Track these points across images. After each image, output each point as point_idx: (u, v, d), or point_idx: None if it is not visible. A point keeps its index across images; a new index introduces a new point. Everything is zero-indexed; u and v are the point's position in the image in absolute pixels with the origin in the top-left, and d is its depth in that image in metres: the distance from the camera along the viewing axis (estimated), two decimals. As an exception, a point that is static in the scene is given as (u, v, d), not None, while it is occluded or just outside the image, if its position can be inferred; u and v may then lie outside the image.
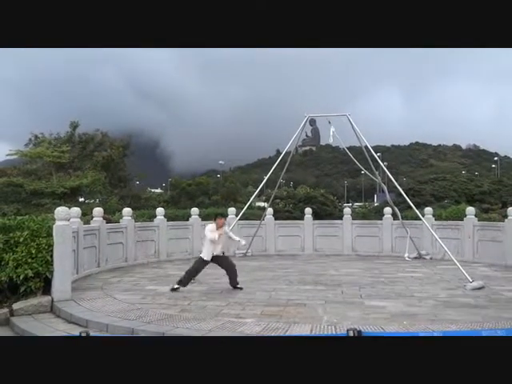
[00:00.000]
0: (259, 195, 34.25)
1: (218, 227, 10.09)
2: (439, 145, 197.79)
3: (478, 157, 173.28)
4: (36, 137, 32.23)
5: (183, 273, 10.31)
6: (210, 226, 10.12)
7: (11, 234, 9.10)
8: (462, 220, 15.38)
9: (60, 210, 9.44)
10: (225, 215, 11.32)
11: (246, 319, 7.48)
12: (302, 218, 18.48)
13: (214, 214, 11.30)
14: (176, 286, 10.00)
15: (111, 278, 11.69)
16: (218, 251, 10.13)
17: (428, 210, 16.39)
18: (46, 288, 9.17)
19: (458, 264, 10.82)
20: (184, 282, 10.09)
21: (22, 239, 8.98)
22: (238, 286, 10.35)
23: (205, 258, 10.09)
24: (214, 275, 12.00)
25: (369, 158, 15.02)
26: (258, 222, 17.01)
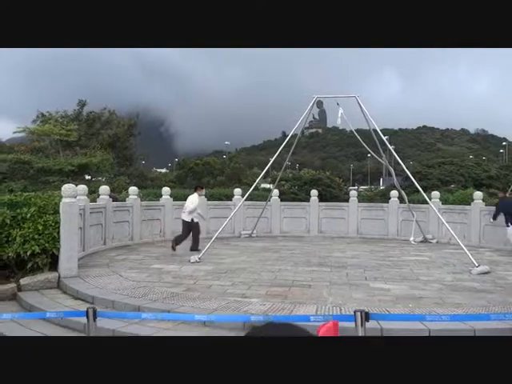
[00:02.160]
0: (265, 177, 34.17)
1: (200, 194, 13.20)
2: (447, 129, 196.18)
3: (485, 142, 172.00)
4: (43, 114, 32.17)
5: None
6: (193, 197, 12.89)
7: (18, 210, 9.13)
8: (469, 204, 15.31)
9: (67, 188, 9.45)
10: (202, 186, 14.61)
11: (252, 299, 7.51)
12: (307, 200, 18.45)
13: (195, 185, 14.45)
14: (193, 249, 12.37)
15: (117, 256, 11.76)
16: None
17: (435, 193, 16.31)
18: (53, 264, 9.24)
19: (464, 248, 10.78)
20: (194, 246, 12.59)
21: (28, 215, 9.01)
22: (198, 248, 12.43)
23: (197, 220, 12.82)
24: (220, 255, 12.09)
25: (377, 141, 14.88)
26: (264, 203, 16.99)
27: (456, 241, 11.57)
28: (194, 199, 12.83)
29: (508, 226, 12.66)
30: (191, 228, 12.74)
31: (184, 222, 12.73)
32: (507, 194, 14.04)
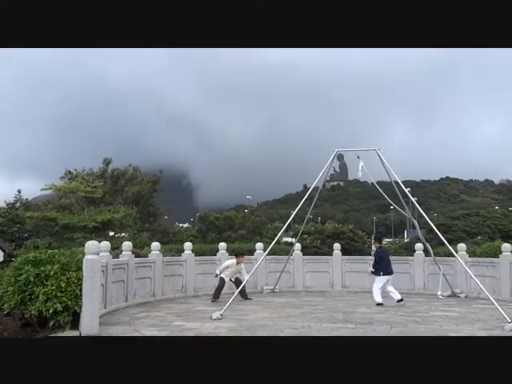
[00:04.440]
0: (286, 230, 34.03)
1: (238, 262, 14.17)
2: (471, 180, 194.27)
3: (511, 192, 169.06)
4: (70, 172, 33.12)
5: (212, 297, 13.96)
6: (230, 261, 14.32)
7: (42, 268, 9.21)
8: (498, 257, 14.87)
9: (90, 244, 9.56)
10: (244, 254, 15.05)
11: (274, 358, 7.28)
12: (329, 253, 18.19)
13: (237, 251, 15.81)
14: (213, 300, 13.64)
15: (138, 313, 11.66)
16: (233, 276, 14.21)
17: (461, 246, 15.92)
18: (75, 322, 9.19)
19: (495, 303, 10.38)
20: (215, 295, 13.79)
21: (52, 273, 9.08)
22: (248, 297, 14.18)
23: (225, 279, 14.04)
24: (242, 311, 11.89)
25: (399, 193, 14.80)
26: (286, 257, 16.83)
27: (486, 295, 11.16)
28: (229, 262, 14.31)
29: (379, 275, 13.15)
30: (236, 283, 13.85)
31: (221, 277, 14.08)
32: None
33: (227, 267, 14.10)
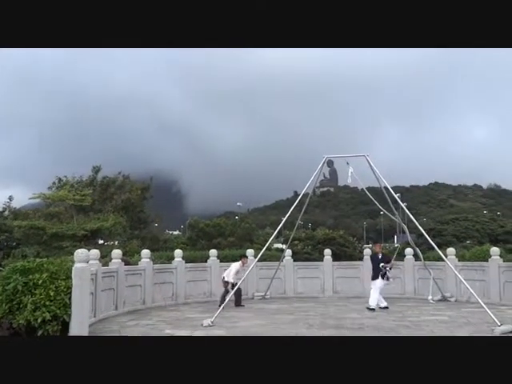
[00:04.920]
0: (277, 237, 34.01)
1: (243, 263, 14.46)
2: (459, 185, 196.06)
3: (499, 196, 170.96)
4: (60, 180, 32.82)
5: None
6: (237, 265, 14.39)
7: (30, 276, 9.11)
8: (487, 261, 14.98)
9: (79, 252, 9.48)
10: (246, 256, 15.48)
11: (266, 364, 7.25)
12: (320, 259, 18.22)
13: (240, 255, 16.10)
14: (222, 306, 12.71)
15: (128, 322, 11.55)
16: (236, 280, 13.83)
17: (451, 250, 16.00)
18: (63, 331, 9.08)
19: (484, 306, 10.43)
20: (222, 301, 13.32)
21: (40, 281, 8.98)
22: (241, 304, 14.17)
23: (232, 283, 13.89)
24: (233, 318, 11.84)
25: (388, 199, 14.87)
26: (277, 263, 16.80)
27: (475, 299, 11.22)
28: (236, 266, 14.32)
29: (382, 280, 13.29)
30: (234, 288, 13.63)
31: (226, 282, 14.13)
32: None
33: (237, 271, 14.17)
